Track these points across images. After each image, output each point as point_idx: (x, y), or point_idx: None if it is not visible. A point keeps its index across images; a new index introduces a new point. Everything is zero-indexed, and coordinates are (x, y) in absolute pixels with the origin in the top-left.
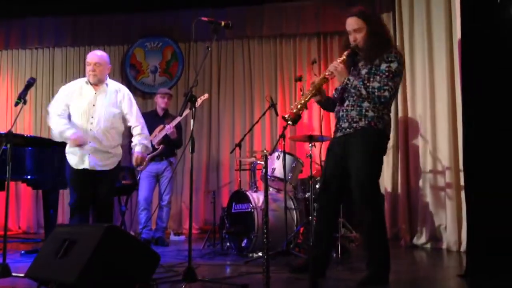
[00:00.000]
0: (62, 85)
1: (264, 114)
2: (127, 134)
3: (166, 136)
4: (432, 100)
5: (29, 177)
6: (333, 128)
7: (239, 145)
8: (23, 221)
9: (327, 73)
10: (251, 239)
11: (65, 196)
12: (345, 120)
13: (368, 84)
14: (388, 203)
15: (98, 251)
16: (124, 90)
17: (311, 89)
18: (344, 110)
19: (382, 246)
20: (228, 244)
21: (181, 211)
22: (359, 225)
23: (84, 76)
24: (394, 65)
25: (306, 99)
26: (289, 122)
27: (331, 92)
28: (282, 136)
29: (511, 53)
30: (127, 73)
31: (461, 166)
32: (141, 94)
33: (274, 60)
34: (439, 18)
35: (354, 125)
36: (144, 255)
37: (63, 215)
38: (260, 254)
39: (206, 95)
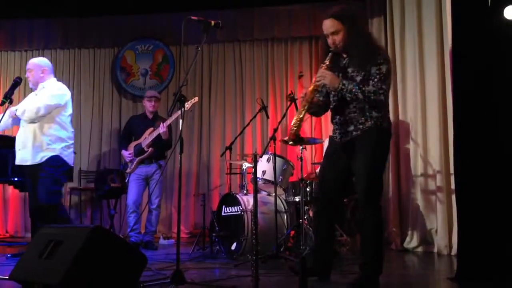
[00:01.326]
0: None
1: (254, 116)
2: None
3: (155, 138)
4: (423, 104)
5: (15, 179)
6: (325, 131)
7: (229, 148)
8: (10, 225)
9: (317, 83)
10: (241, 242)
11: None
12: (351, 124)
13: (364, 88)
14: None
15: (83, 252)
16: (48, 86)
17: (303, 104)
18: (347, 116)
19: (378, 250)
20: (218, 247)
21: (171, 214)
22: (359, 226)
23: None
24: (384, 68)
25: (301, 116)
26: (290, 143)
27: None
28: (273, 138)
29: (502, 57)
30: (117, 75)
31: (452, 170)
32: (132, 97)
33: (266, 64)
34: (430, 22)
35: (361, 126)
36: (131, 256)
37: None
38: (250, 257)
39: (196, 98)
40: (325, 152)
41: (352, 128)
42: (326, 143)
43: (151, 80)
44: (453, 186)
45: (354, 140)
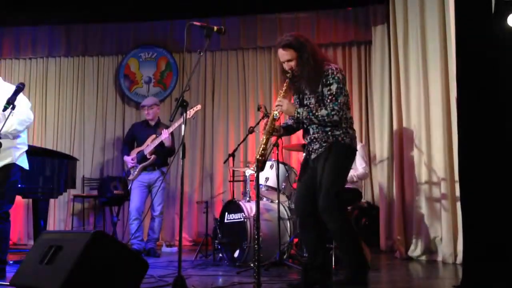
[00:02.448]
0: (56, 95)
1: (257, 124)
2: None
3: (158, 146)
4: (426, 111)
5: (18, 185)
6: None
7: (232, 155)
8: (14, 233)
9: (275, 113)
10: (244, 250)
11: (56, 207)
12: (316, 143)
13: (317, 114)
14: (383, 214)
15: (84, 258)
16: None
17: (264, 136)
18: (313, 137)
19: (353, 251)
20: (220, 255)
21: (173, 222)
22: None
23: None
24: (333, 87)
25: (264, 146)
26: (259, 169)
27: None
28: (276, 145)
29: (506, 64)
30: (120, 83)
31: (456, 177)
32: (135, 104)
33: (269, 71)
34: (434, 29)
35: (324, 144)
36: (132, 262)
37: (54, 226)
38: (252, 264)
39: (198, 106)
40: (301, 166)
41: (317, 146)
42: None
43: (154, 87)
44: (458, 194)
45: (319, 156)
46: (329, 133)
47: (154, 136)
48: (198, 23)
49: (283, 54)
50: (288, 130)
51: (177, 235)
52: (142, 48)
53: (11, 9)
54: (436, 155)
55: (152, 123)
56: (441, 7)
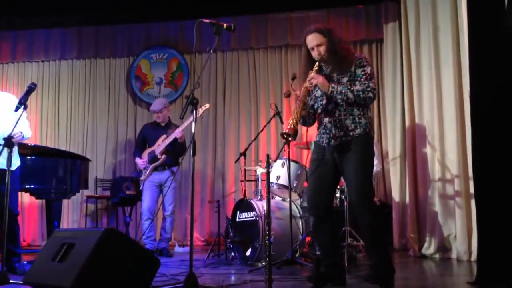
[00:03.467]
0: (68, 97)
1: (269, 122)
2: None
3: (169, 145)
4: (439, 108)
5: (32, 186)
6: None
7: (244, 154)
8: (28, 234)
9: (308, 85)
10: (256, 248)
11: (70, 208)
12: (339, 129)
13: (352, 88)
14: (396, 212)
15: (95, 255)
16: None
17: (298, 103)
18: (337, 120)
19: (382, 250)
20: (233, 254)
21: (186, 222)
22: (358, 228)
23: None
24: (367, 69)
25: (298, 112)
26: (289, 139)
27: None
28: (287, 143)
29: None
30: (132, 84)
31: (470, 174)
32: (146, 105)
33: (280, 70)
34: (446, 25)
35: (351, 133)
36: (143, 259)
37: (67, 227)
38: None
39: (207, 105)
40: (311, 159)
41: (342, 133)
42: None
43: (165, 88)
44: (472, 191)
45: (343, 145)
46: (357, 119)
47: (164, 136)
48: (207, 20)
49: (313, 39)
50: (309, 116)
51: (189, 235)
52: (153, 49)
53: (24, 13)
54: (449, 151)
55: (163, 124)
56: (453, 2)
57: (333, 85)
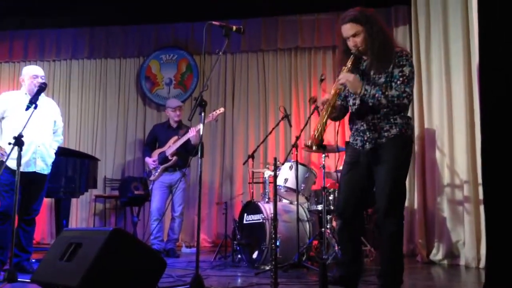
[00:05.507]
0: (78, 96)
1: (277, 124)
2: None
3: (180, 147)
4: (449, 112)
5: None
6: (348, 139)
7: (252, 156)
8: (37, 232)
9: (339, 87)
10: (262, 251)
11: (78, 207)
12: (375, 132)
13: (387, 93)
14: (405, 218)
15: (102, 255)
16: None
17: (326, 107)
18: (371, 123)
19: (397, 261)
20: (239, 256)
21: (193, 223)
22: (379, 236)
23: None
24: (407, 69)
25: (324, 121)
26: (314, 148)
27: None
28: (295, 145)
29: None
30: (142, 85)
31: (479, 180)
32: (156, 106)
33: (289, 73)
34: (457, 29)
35: (386, 134)
36: (150, 260)
37: (76, 226)
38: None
39: (222, 109)
40: (344, 161)
41: (376, 135)
42: None
43: (175, 89)
44: (481, 197)
45: (378, 147)
46: (392, 120)
47: (176, 137)
48: (217, 23)
49: (347, 29)
50: (341, 111)
51: (196, 236)
52: (163, 50)
53: (36, 12)
54: (458, 157)
55: (175, 125)
56: (464, 6)
57: (366, 87)
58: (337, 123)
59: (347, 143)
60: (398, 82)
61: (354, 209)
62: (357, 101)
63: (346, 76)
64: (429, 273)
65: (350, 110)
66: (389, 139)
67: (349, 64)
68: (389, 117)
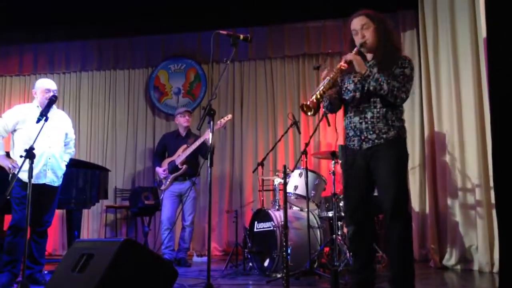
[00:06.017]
0: (88, 108)
1: (286, 132)
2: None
3: (189, 156)
4: (459, 116)
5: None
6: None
7: (261, 164)
8: (49, 244)
9: (343, 63)
10: (274, 259)
11: (90, 217)
12: (371, 132)
13: (389, 81)
14: (416, 223)
15: (114, 265)
16: None
17: (328, 78)
18: (369, 122)
19: (408, 264)
20: (250, 264)
21: (204, 232)
22: (386, 240)
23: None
24: (407, 71)
25: (325, 88)
26: (309, 113)
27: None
28: (304, 152)
29: None
30: (150, 95)
31: (491, 183)
32: (165, 116)
33: (297, 80)
34: (464, 32)
35: (384, 136)
36: (161, 270)
37: (87, 237)
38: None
39: (229, 116)
40: (343, 164)
41: (374, 136)
42: None
43: (183, 98)
44: (493, 201)
45: (376, 148)
46: (390, 122)
47: (185, 146)
48: (224, 32)
49: (359, 20)
50: (337, 100)
51: (207, 245)
52: (171, 60)
53: (45, 26)
54: (470, 160)
55: (184, 133)
56: (471, 8)
57: (371, 69)
58: (338, 128)
59: (342, 146)
60: (399, 78)
61: (361, 214)
62: (357, 95)
63: (353, 55)
64: (442, 279)
65: (348, 112)
66: (388, 141)
67: (354, 52)
68: (387, 118)
